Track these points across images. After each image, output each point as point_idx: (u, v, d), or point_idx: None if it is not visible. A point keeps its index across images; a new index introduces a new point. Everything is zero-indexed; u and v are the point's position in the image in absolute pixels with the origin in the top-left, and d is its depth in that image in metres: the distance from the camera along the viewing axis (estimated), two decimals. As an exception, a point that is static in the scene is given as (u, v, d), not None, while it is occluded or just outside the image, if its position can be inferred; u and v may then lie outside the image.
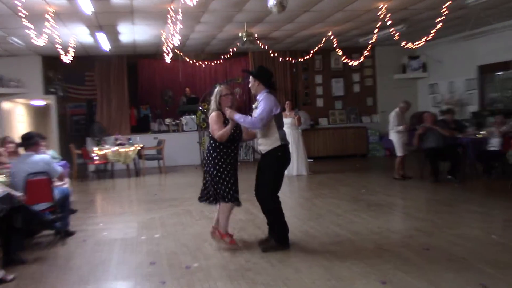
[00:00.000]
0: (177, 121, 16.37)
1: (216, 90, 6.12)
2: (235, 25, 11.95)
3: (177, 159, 15.81)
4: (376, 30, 11.90)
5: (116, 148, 13.52)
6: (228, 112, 5.92)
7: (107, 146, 13.70)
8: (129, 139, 14.25)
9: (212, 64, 16.84)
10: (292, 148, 12.19)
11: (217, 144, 5.97)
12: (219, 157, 5.97)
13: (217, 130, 5.93)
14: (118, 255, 6.19)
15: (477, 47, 14.15)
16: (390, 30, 11.53)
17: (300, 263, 5.43)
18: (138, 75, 17.70)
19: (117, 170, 14.39)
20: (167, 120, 16.28)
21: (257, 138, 6.11)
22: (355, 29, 13.21)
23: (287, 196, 10.36)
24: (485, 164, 10.88)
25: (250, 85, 6.13)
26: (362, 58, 14.69)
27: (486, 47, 13.80)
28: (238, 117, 5.86)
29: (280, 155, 5.93)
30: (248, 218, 7.83)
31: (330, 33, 13.29)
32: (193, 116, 16.15)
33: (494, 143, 10.68)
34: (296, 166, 12.40)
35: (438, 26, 10.73)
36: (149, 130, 16.54)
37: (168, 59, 13.43)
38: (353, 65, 15.30)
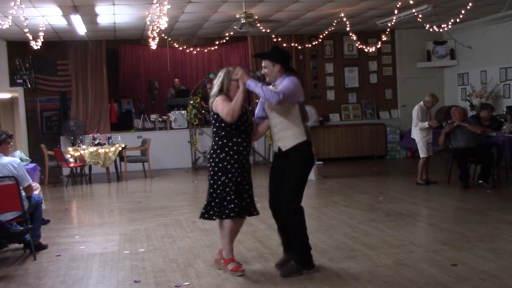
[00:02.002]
0: (165, 117, 16.39)
1: (222, 72, 5.80)
2: (231, 5, 11.99)
3: (164, 161, 15.86)
4: (396, 11, 11.95)
5: (94, 148, 13.57)
6: (240, 72, 5.55)
7: (83, 147, 13.74)
8: (109, 138, 14.30)
9: (205, 50, 16.90)
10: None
11: (225, 141, 5.66)
12: (228, 158, 5.67)
13: (225, 108, 5.53)
14: (97, 272, 6.22)
15: (514, 31, 14.21)
16: (413, 11, 11.57)
17: (308, 282, 5.46)
18: (119, 64, 17.75)
19: (95, 174, 14.43)
20: (153, 116, 16.30)
21: (274, 132, 5.75)
22: (371, 9, 13.24)
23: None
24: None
25: (265, 71, 5.73)
26: (379, 44, 14.76)
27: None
28: (253, 84, 5.46)
29: (306, 154, 5.61)
30: (247, 230, 7.86)
31: (342, 15, 13.33)
32: (183, 112, 16.19)
33: (534, 142, 10.71)
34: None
35: (469, 6, 10.78)
36: (132, 127, 16.58)
37: (154, 45, 13.47)
38: (370, 51, 15.35)
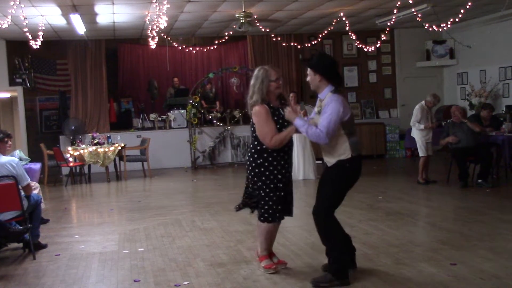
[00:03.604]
0: (164, 116, 16.40)
1: (259, 73, 5.50)
2: (231, 4, 11.99)
3: (164, 160, 15.86)
4: (395, 10, 11.95)
5: (93, 148, 13.57)
6: (287, 112, 5.34)
7: (83, 146, 13.74)
8: (109, 137, 14.30)
9: (205, 50, 16.90)
10: (297, 149, 12.35)
11: (264, 147, 5.45)
12: (266, 164, 5.45)
13: (269, 134, 5.34)
14: (97, 271, 6.22)
15: (514, 30, 14.21)
16: (412, 10, 11.57)
17: (307, 281, 5.46)
18: (119, 63, 17.74)
19: (94, 173, 14.43)
20: (152, 116, 16.31)
21: (322, 147, 5.49)
22: (371, 8, 13.25)
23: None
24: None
25: (308, 79, 5.43)
26: (379, 43, 14.75)
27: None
28: (300, 123, 5.27)
29: (348, 167, 5.32)
30: (247, 229, 7.87)
31: (341, 14, 13.33)
32: (182, 111, 16.19)
33: (533, 142, 10.72)
34: (303, 169, 12.47)
35: (468, 5, 10.78)
36: (131, 127, 16.59)
37: (153, 44, 13.47)
38: (369, 51, 15.34)
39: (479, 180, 10.68)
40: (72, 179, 13.86)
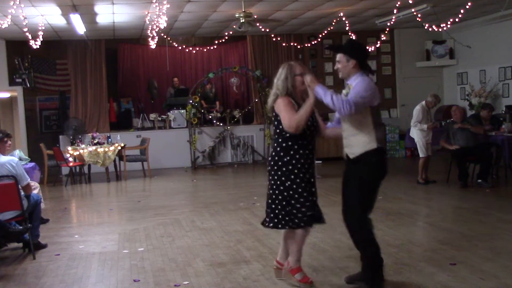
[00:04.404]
0: (164, 116, 16.40)
1: (283, 69, 5.25)
2: (231, 4, 11.99)
3: (164, 160, 15.86)
4: (395, 11, 11.95)
5: (93, 147, 13.57)
6: (308, 78, 5.06)
7: (83, 146, 13.74)
8: (108, 137, 14.30)
9: (204, 50, 16.90)
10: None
11: (290, 143, 5.14)
12: (293, 161, 5.14)
13: (292, 117, 5.03)
14: (97, 271, 6.23)
15: (513, 30, 14.21)
16: (412, 10, 11.57)
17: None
18: (118, 63, 17.74)
19: (94, 173, 14.42)
20: (152, 116, 16.32)
21: (343, 137, 5.21)
22: (371, 8, 13.25)
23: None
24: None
25: (338, 66, 5.14)
26: (379, 43, 14.74)
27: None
28: (323, 90, 4.95)
29: (375, 162, 5.04)
30: (246, 229, 7.88)
31: (341, 14, 13.33)
32: (182, 111, 16.19)
33: (533, 142, 10.73)
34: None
35: (468, 5, 10.78)
36: (131, 127, 16.58)
37: (153, 44, 13.47)
38: (369, 51, 15.33)
39: (479, 180, 10.68)
40: (72, 179, 13.86)
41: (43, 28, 12.19)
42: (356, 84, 4.99)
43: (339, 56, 5.12)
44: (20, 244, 7.20)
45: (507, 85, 14.75)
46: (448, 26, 12.73)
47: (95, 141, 13.86)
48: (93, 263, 6.54)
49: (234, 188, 12.11)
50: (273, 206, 5.23)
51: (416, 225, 7.98)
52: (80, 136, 14.91)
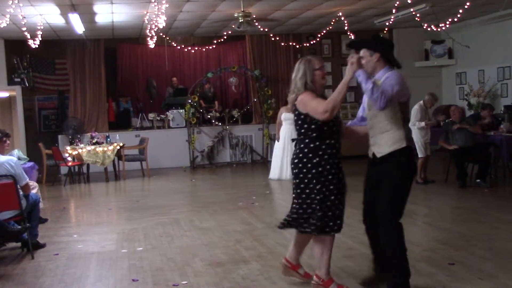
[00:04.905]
0: (163, 116, 16.40)
1: (301, 64, 5.00)
2: (229, 3, 11.98)
3: (162, 160, 15.85)
4: (394, 10, 11.95)
5: (92, 147, 13.55)
6: (355, 57, 4.76)
7: (82, 145, 13.73)
8: (107, 137, 14.29)
9: (203, 49, 16.90)
10: (286, 147, 12.38)
11: (317, 143, 4.86)
12: (323, 163, 4.87)
13: (320, 104, 4.75)
14: (95, 271, 6.22)
15: (512, 30, 14.21)
16: (411, 10, 11.57)
17: (305, 282, 5.46)
18: (117, 63, 17.75)
19: (93, 173, 14.41)
20: (151, 115, 16.31)
21: (369, 135, 5.03)
22: (369, 8, 13.25)
23: (288, 203, 10.40)
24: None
25: (364, 61, 4.90)
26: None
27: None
28: (364, 74, 4.74)
29: (405, 161, 4.84)
30: (245, 229, 7.87)
31: (340, 14, 13.33)
32: (181, 111, 16.19)
33: (531, 142, 10.73)
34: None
35: (466, 5, 10.77)
36: (130, 126, 16.57)
37: (152, 44, 13.46)
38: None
39: (478, 180, 10.69)
40: (71, 179, 13.85)
41: (42, 27, 12.18)
42: (386, 78, 4.80)
43: (362, 52, 4.94)
44: (19, 244, 7.18)
45: (505, 85, 14.75)
46: (447, 26, 12.75)
47: (94, 141, 13.85)
48: (91, 263, 6.53)
49: (233, 187, 12.10)
50: (302, 211, 4.95)
51: (415, 225, 7.97)
52: (79, 136, 14.89)
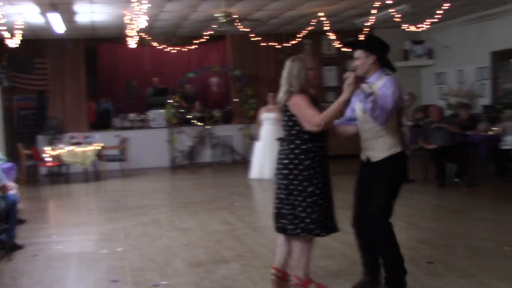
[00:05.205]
0: (143, 116, 16.34)
1: (294, 62, 4.95)
2: (211, 3, 11.96)
3: (143, 160, 15.77)
4: (374, 11, 11.99)
5: (72, 147, 13.46)
6: (352, 77, 4.62)
7: (61, 146, 13.62)
8: (87, 137, 14.20)
9: (184, 49, 16.83)
10: (276, 147, 12.38)
11: (310, 145, 4.84)
12: (314, 165, 4.87)
13: (315, 114, 4.70)
14: (75, 272, 6.18)
15: (491, 31, 14.31)
16: (391, 11, 11.62)
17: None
18: (98, 63, 17.63)
19: (73, 173, 14.32)
20: (131, 115, 16.24)
21: (363, 139, 5.03)
22: (350, 9, 13.30)
23: (269, 202, 10.42)
24: (498, 164, 11.02)
25: (357, 63, 4.85)
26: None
27: (501, 30, 13.96)
28: (364, 93, 4.64)
29: (399, 166, 4.89)
30: (226, 229, 7.87)
31: (321, 14, 13.36)
32: (161, 111, 16.13)
33: (509, 141, 10.83)
34: (270, 168, 12.49)
35: (446, 6, 10.85)
36: (110, 126, 16.47)
37: (132, 43, 13.40)
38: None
39: (456, 179, 10.79)
40: (51, 179, 13.74)
41: (21, 26, 12.07)
42: (383, 87, 4.73)
43: (357, 53, 4.87)
44: (-4, 245, 7.12)
45: (483, 85, 14.88)
46: (427, 26, 12.81)
47: (73, 141, 13.76)
48: (71, 264, 6.48)
49: (213, 187, 12.09)
50: (288, 211, 4.89)
51: (395, 224, 7.93)
52: (58, 136, 14.77)
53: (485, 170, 11.37)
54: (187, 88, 16.85)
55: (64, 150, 13.36)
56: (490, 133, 11.37)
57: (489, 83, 14.65)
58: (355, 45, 5.05)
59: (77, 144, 13.65)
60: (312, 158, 4.84)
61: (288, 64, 4.99)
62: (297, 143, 4.86)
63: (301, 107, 4.77)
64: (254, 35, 15.48)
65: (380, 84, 4.76)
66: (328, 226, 4.95)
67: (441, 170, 10.82)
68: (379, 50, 4.91)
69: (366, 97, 4.62)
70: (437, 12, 11.64)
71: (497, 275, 5.42)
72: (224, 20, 12.43)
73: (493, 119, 12.88)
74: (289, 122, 4.91)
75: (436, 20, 12.24)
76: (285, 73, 4.98)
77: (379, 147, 4.86)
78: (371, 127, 4.85)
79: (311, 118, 4.72)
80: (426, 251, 6.32)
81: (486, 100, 14.65)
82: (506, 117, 12.07)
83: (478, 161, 11.51)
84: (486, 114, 13.46)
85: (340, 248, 6.57)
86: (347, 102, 4.76)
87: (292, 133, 4.90)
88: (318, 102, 4.99)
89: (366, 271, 5.20)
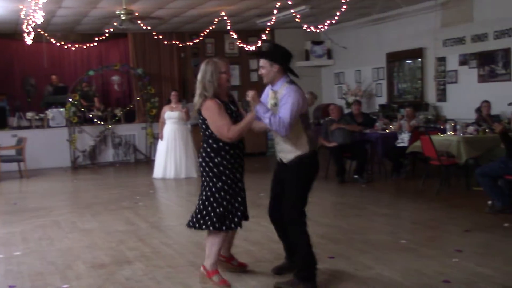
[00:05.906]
0: (42, 115, 15.83)
1: (207, 66, 5.08)
2: (111, 0, 11.75)
3: (42, 160, 15.27)
4: (275, 11, 12.17)
5: (-36, 148, 12.84)
6: (251, 95, 4.92)
7: (-48, 146, 12.97)
8: (-19, 137, 13.59)
9: (84, 47, 16.42)
10: (179, 146, 12.37)
11: (220, 144, 5.02)
12: (224, 162, 5.04)
13: (226, 125, 4.93)
14: (-32, 278, 5.91)
15: (386, 33, 14.89)
16: (291, 11, 11.82)
17: (191, 279, 5.46)
18: (-8, 59, 16.92)
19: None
20: (29, 114, 15.69)
21: (275, 142, 5.24)
22: (252, 9, 13.43)
23: (173, 201, 10.39)
24: (394, 161, 11.47)
25: (262, 72, 5.10)
26: (259, 42, 14.96)
27: (394, 32, 14.55)
28: (263, 109, 4.90)
29: (308, 163, 5.09)
30: (129, 229, 7.75)
31: (223, 13, 13.42)
32: (61, 109, 15.69)
33: (404, 139, 11.28)
34: (185, 167, 12.44)
35: (343, 8, 11.16)
36: (6, 126, 15.84)
37: (29, 40, 12.96)
38: (250, 50, 15.54)
39: (355, 176, 11.15)
40: None
41: None
42: (284, 97, 4.94)
43: (262, 62, 5.08)
44: None
45: (380, 85, 15.45)
46: (326, 27, 13.13)
47: (-34, 141, 13.12)
48: (-36, 270, 6.19)
49: (116, 187, 11.87)
50: (203, 207, 5.11)
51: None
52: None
53: (382, 166, 11.79)
54: (87, 86, 16.46)
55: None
56: (387, 131, 11.81)
57: (385, 83, 15.21)
58: (260, 54, 5.40)
59: (-30, 144, 13.04)
60: (223, 156, 5.02)
61: (202, 67, 5.12)
62: (210, 142, 5.08)
63: (213, 114, 4.96)
64: (156, 34, 15.35)
65: (283, 92, 4.98)
66: (237, 221, 5.14)
67: (340, 167, 11.15)
68: (283, 59, 5.10)
69: (264, 113, 4.88)
70: (335, 13, 11.96)
71: (393, 266, 5.63)
72: (125, 18, 12.25)
73: (389, 117, 13.40)
74: (203, 125, 5.11)
75: (334, 21, 12.56)
76: (199, 76, 5.10)
77: (288, 149, 5.10)
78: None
79: (221, 130, 4.94)
80: (327, 246, 6.47)
81: (382, 99, 15.21)
82: (400, 116, 12.56)
83: (376, 158, 11.95)
84: (382, 113, 13.98)
85: (243, 245, 6.62)
86: (255, 117, 5.00)
87: (206, 133, 5.11)
88: (236, 103, 5.31)
89: (286, 256, 5.53)
